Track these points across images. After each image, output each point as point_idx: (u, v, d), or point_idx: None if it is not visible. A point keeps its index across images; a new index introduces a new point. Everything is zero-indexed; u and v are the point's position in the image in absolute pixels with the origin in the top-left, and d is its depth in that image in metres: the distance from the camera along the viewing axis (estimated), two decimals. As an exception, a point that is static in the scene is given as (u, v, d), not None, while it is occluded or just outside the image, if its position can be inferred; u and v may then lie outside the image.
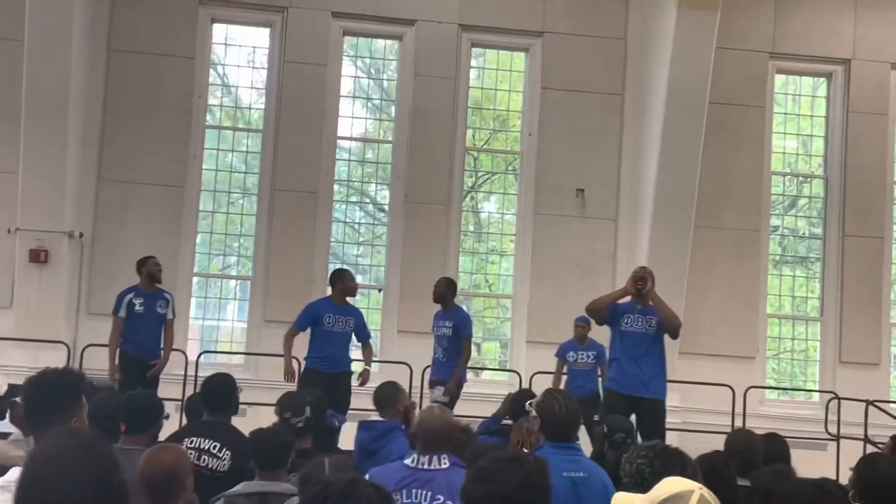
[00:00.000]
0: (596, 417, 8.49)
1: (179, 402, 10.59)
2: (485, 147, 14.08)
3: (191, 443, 5.57)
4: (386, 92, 14.04)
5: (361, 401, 9.85)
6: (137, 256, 10.39)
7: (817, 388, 13.60)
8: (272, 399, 9.25)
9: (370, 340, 10.04)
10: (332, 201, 13.33)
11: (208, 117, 13.40)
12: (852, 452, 8.79)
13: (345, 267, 10.96)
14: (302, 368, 9.63)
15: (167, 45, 12.83)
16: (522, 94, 13.80)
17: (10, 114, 11.89)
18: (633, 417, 7.80)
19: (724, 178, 13.33)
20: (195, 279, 13.21)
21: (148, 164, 12.68)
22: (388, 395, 6.85)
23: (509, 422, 6.43)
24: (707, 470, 3.99)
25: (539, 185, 13.40)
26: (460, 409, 9.69)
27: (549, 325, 12.43)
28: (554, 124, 13.42)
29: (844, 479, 5.38)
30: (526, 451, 4.82)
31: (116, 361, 9.74)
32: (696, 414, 12.14)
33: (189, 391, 10.93)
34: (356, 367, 9.74)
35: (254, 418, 7.56)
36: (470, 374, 13.57)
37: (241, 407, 6.22)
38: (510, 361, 13.40)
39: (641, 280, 8.40)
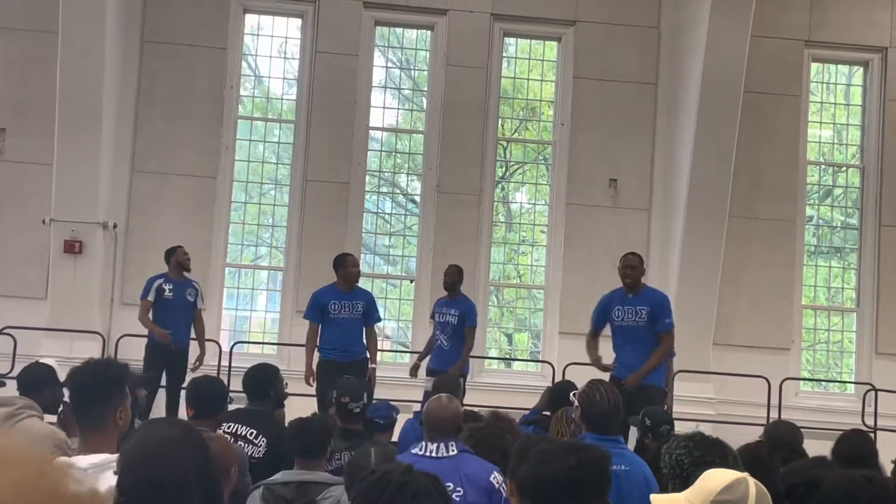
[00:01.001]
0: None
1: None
2: (516, 137, 14.02)
3: (228, 428, 5.65)
4: (417, 82, 14.00)
5: (412, 392, 9.89)
6: (170, 247, 10.46)
7: (853, 380, 13.46)
8: (303, 389, 9.37)
9: (378, 324, 9.85)
10: (363, 192, 13.32)
11: (240, 108, 13.42)
12: (891, 444, 8.67)
13: (348, 252, 10.58)
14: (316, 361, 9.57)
15: (200, 37, 12.87)
16: (554, 83, 13.72)
17: (45, 106, 11.95)
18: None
19: (758, 167, 13.20)
20: (227, 270, 13.25)
21: (181, 155, 12.74)
22: (450, 387, 6.92)
23: (547, 413, 6.41)
24: (750, 460, 3.93)
25: (571, 175, 13.32)
26: (492, 400, 9.68)
27: (582, 316, 12.31)
28: (586, 114, 13.33)
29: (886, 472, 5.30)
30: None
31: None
32: (730, 406, 12.05)
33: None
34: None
35: (286, 407, 7.56)
36: (501, 365, 13.62)
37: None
38: (543, 352, 13.35)
39: (629, 268, 8.40)
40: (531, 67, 13.92)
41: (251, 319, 13.85)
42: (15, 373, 7.13)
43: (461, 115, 13.24)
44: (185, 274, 10.22)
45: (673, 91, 13.15)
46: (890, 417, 11.48)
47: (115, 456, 2.80)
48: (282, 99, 13.71)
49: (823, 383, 13.82)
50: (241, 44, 13.40)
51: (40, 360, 5.91)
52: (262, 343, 13.27)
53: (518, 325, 13.97)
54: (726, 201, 12.58)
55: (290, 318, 12.78)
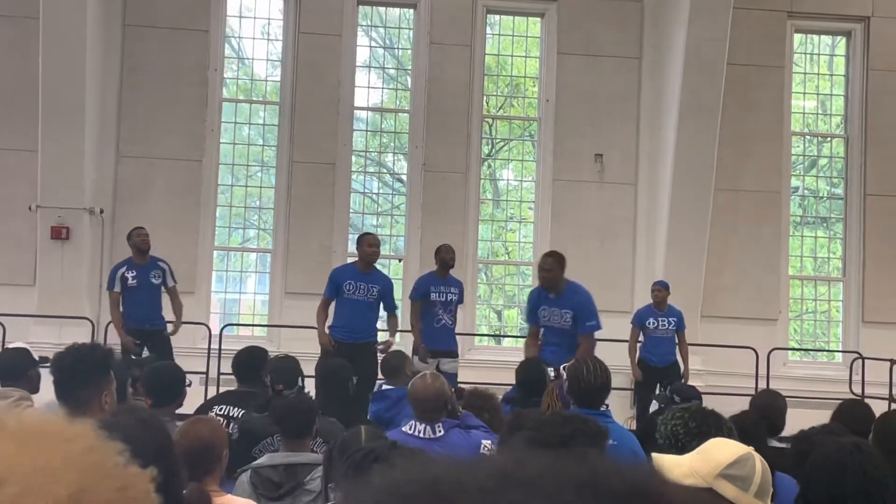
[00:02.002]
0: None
1: (203, 375, 10.70)
2: (501, 114, 14.02)
3: (220, 410, 5.69)
4: (401, 61, 13.98)
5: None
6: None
7: (840, 349, 13.56)
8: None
9: (396, 311, 9.79)
10: (349, 172, 13.32)
11: (224, 91, 13.38)
12: (877, 412, 8.75)
13: (369, 232, 10.56)
14: None
15: (182, 19, 12.80)
16: (539, 59, 13.72)
17: (28, 92, 11.90)
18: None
19: (743, 139, 13.23)
20: (215, 253, 13.25)
21: (166, 139, 12.70)
22: (395, 365, 6.95)
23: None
24: (739, 431, 3.98)
25: (557, 151, 13.34)
26: (482, 376, 9.73)
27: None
28: (571, 89, 13.34)
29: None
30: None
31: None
32: (718, 377, 12.12)
33: (213, 364, 11.03)
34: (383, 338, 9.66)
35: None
36: (491, 342, 13.68)
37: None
38: (531, 328, 13.39)
39: (543, 271, 8.50)
40: (515, 44, 13.90)
41: (241, 302, 13.88)
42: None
43: (446, 93, 13.23)
44: (152, 255, 10.10)
45: (657, 65, 13.16)
46: (877, 385, 11.58)
47: None
48: (266, 81, 13.67)
49: (811, 353, 13.92)
50: (224, 26, 13.34)
51: (9, 346, 5.90)
52: (253, 325, 13.30)
53: (507, 302, 14.02)
54: (712, 174, 12.62)
55: (280, 300, 12.81)
